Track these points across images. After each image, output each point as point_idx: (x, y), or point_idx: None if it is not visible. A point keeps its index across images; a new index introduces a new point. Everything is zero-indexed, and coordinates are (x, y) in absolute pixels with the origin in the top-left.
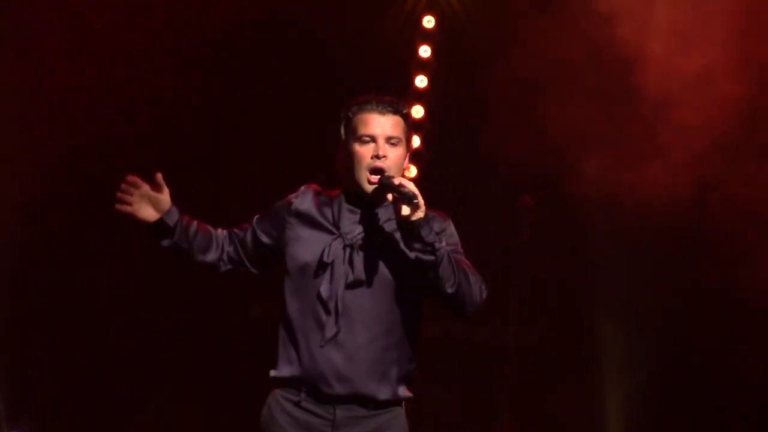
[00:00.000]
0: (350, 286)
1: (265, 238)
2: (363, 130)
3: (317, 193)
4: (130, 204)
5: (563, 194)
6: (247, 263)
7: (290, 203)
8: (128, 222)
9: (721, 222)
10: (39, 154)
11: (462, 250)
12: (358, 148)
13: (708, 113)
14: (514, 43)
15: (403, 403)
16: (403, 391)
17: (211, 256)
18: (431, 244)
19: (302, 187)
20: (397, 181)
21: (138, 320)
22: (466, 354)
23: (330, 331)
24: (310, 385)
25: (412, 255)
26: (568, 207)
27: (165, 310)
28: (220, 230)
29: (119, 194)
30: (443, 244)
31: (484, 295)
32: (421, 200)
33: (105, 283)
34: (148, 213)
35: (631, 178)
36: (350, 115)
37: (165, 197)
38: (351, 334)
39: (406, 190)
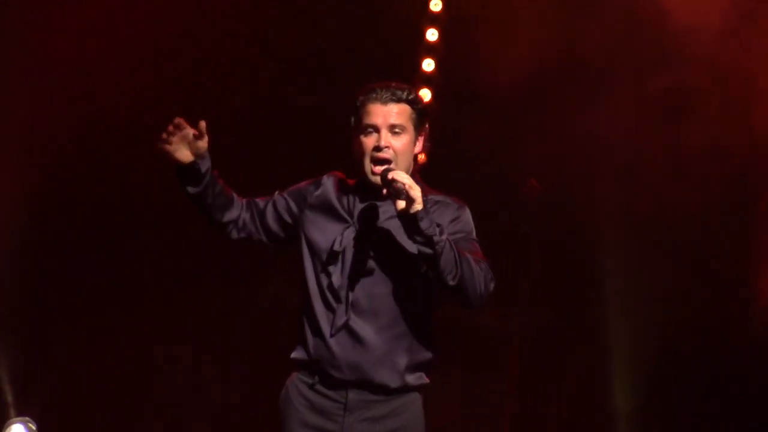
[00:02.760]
0: (361, 275)
1: (284, 214)
2: (366, 120)
3: (339, 181)
4: (170, 144)
5: (572, 178)
6: (261, 233)
7: (311, 188)
8: (135, 211)
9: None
10: (43, 150)
11: (475, 238)
12: (363, 138)
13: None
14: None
15: (421, 389)
16: (418, 379)
17: (228, 217)
18: (430, 237)
19: (325, 175)
20: (390, 175)
21: (144, 308)
22: (473, 339)
23: (340, 319)
24: (322, 370)
25: (413, 248)
26: (576, 190)
27: (174, 293)
28: (240, 198)
29: (163, 134)
30: (444, 236)
31: (490, 287)
32: (415, 194)
33: (112, 271)
34: (184, 154)
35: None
36: (358, 105)
37: (204, 144)
38: (361, 322)
39: (397, 185)
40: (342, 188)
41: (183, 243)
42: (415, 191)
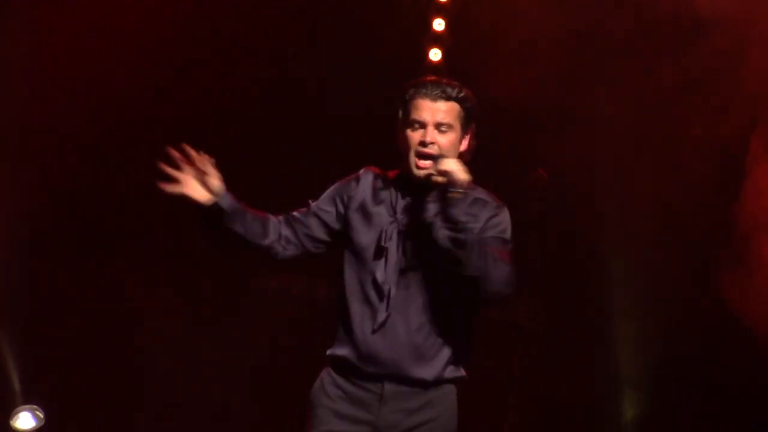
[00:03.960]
0: (403, 271)
1: (326, 218)
2: (414, 116)
3: (376, 176)
4: (180, 184)
5: (575, 168)
6: (307, 245)
7: (351, 185)
8: (141, 201)
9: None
10: (46, 144)
11: (508, 239)
12: (409, 132)
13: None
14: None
15: (456, 382)
16: (454, 371)
17: (268, 241)
18: (457, 224)
19: (362, 170)
20: (439, 167)
21: (150, 297)
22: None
23: (381, 315)
24: (360, 364)
25: (444, 234)
26: (580, 181)
27: (180, 283)
28: (275, 216)
29: (170, 170)
30: (472, 227)
31: (507, 289)
32: (464, 179)
33: (121, 260)
34: (200, 194)
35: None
36: (406, 98)
37: (215, 181)
38: (401, 318)
39: (454, 177)
40: (382, 183)
41: (188, 232)
42: (465, 176)
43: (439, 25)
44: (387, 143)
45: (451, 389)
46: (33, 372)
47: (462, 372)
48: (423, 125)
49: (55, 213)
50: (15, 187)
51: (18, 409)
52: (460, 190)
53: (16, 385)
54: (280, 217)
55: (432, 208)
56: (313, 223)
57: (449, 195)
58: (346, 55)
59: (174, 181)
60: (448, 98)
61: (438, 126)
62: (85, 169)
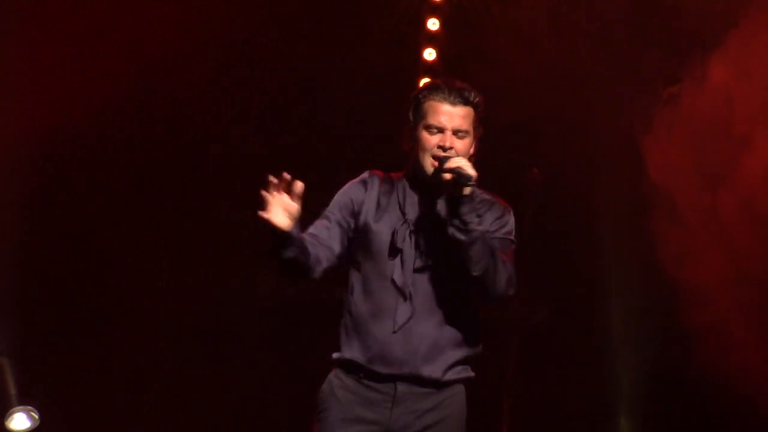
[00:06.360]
0: (417, 271)
1: (350, 233)
2: (432, 120)
3: (382, 179)
4: (269, 210)
5: (572, 165)
6: (336, 259)
7: (358, 191)
8: (135, 203)
9: None
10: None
11: (513, 241)
12: (425, 135)
13: None
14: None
15: (466, 382)
16: (464, 371)
17: (310, 263)
18: (467, 223)
19: (366, 174)
20: (449, 165)
21: (145, 297)
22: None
23: (403, 316)
24: (373, 366)
25: (449, 231)
26: (575, 180)
27: (175, 283)
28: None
29: (264, 196)
30: (480, 228)
31: (510, 291)
32: (470, 174)
33: (116, 260)
34: (282, 220)
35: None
36: (420, 99)
37: (298, 206)
38: (417, 318)
39: (464, 171)
40: (388, 185)
41: (181, 232)
42: (474, 171)
43: (433, 24)
44: (381, 143)
45: (460, 389)
46: (28, 372)
47: (470, 372)
48: (441, 130)
49: (52, 211)
50: (11, 181)
51: (13, 410)
52: (472, 184)
53: (11, 386)
54: (306, 237)
55: (441, 206)
56: (337, 236)
57: (461, 191)
58: (340, 56)
59: (265, 204)
60: (466, 103)
61: (456, 132)
62: (77, 178)
